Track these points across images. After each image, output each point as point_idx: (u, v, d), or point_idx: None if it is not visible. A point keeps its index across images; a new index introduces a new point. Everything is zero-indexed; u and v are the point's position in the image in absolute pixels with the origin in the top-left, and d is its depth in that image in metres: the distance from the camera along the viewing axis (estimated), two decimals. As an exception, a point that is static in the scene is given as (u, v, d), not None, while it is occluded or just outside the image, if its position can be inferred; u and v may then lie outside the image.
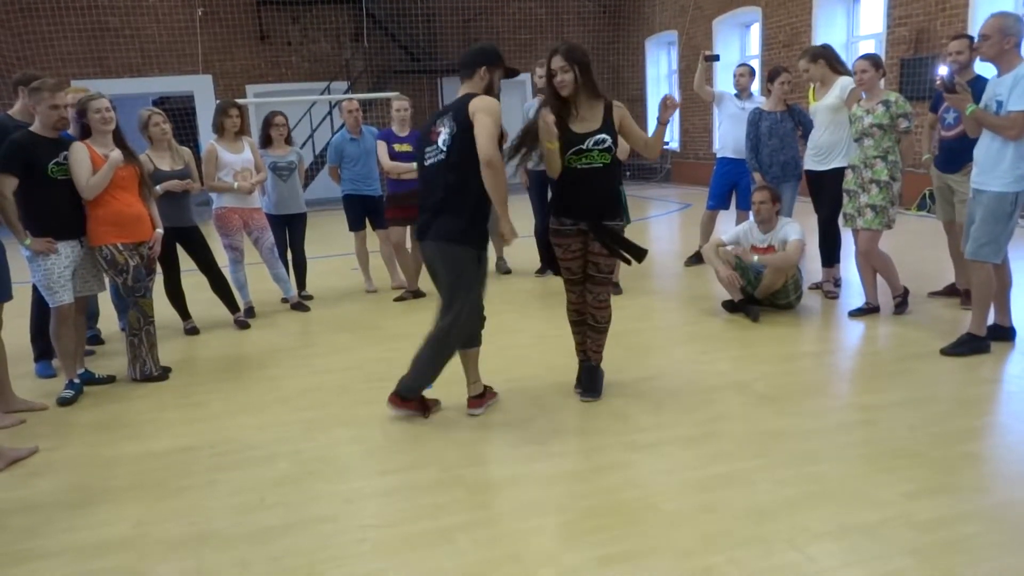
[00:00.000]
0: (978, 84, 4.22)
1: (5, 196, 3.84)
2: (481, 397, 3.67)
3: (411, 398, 3.56)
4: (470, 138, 3.19)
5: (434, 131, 3.36)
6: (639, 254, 3.58)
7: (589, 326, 3.73)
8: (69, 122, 4.06)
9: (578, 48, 3.44)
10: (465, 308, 3.41)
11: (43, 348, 4.60)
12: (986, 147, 3.95)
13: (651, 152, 3.61)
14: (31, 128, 3.99)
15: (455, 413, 3.64)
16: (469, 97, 3.29)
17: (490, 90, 3.38)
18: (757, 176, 5.71)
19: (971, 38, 4.74)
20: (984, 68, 4.63)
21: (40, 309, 4.49)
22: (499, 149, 3.22)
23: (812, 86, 5.58)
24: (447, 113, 3.34)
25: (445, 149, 3.30)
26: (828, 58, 5.36)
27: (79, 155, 4.01)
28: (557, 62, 3.39)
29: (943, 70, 4.06)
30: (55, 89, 3.92)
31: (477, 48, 3.47)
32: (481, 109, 3.22)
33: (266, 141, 5.99)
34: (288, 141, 6.12)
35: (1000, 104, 3.84)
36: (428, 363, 3.49)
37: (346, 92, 14.48)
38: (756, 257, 4.98)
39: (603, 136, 3.44)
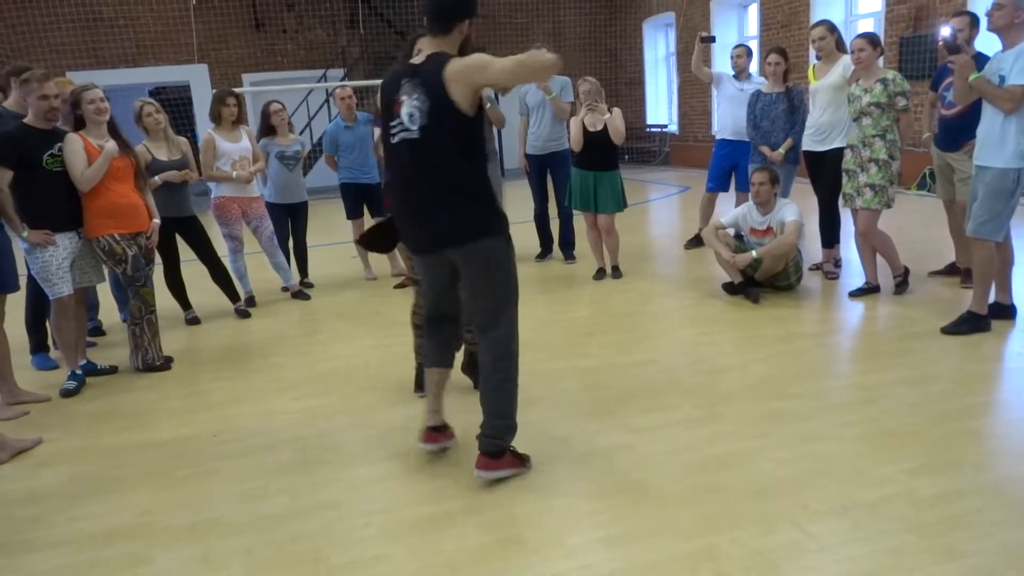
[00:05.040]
0: (977, 62, 4.18)
1: (1, 189, 3.83)
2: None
3: (500, 451, 2.78)
4: (453, 111, 2.57)
5: (398, 101, 2.66)
6: None
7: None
8: (58, 113, 4.03)
9: None
10: (514, 311, 2.78)
11: (39, 340, 4.61)
12: (989, 124, 3.93)
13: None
14: (24, 120, 3.97)
15: (457, 398, 3.64)
16: (443, 57, 2.61)
17: (466, 49, 2.71)
18: (765, 149, 5.67)
19: (973, 15, 4.70)
20: (984, 47, 4.61)
21: (36, 301, 4.49)
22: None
23: (813, 65, 5.55)
24: (413, 78, 2.64)
25: (418, 125, 2.62)
26: (839, 34, 5.36)
27: (74, 146, 3.99)
28: None
29: (945, 31, 4.00)
30: (43, 79, 3.91)
31: None
32: (458, 71, 2.55)
33: (269, 130, 5.97)
34: (291, 128, 6.12)
35: (1003, 79, 3.82)
36: (502, 393, 2.77)
37: (342, 79, 14.42)
38: (754, 252, 4.97)
39: None
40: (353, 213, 6.34)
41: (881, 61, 4.86)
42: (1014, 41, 3.82)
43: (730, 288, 5.21)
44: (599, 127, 5.58)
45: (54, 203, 3.98)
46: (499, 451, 2.77)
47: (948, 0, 9.10)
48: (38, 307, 4.52)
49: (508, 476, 2.79)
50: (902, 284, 4.97)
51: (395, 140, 2.70)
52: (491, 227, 2.69)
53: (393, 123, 2.68)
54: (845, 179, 4.93)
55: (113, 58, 14.38)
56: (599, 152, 5.66)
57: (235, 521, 2.66)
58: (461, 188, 2.65)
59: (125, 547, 2.54)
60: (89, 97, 4.06)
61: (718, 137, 6.78)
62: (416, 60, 2.69)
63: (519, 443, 2.88)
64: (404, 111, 2.63)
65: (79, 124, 4.09)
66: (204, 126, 11.91)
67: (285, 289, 6.11)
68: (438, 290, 2.96)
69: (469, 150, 2.65)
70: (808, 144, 5.46)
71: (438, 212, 2.67)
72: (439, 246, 2.73)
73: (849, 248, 5.79)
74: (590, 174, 5.72)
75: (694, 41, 6.74)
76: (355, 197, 6.28)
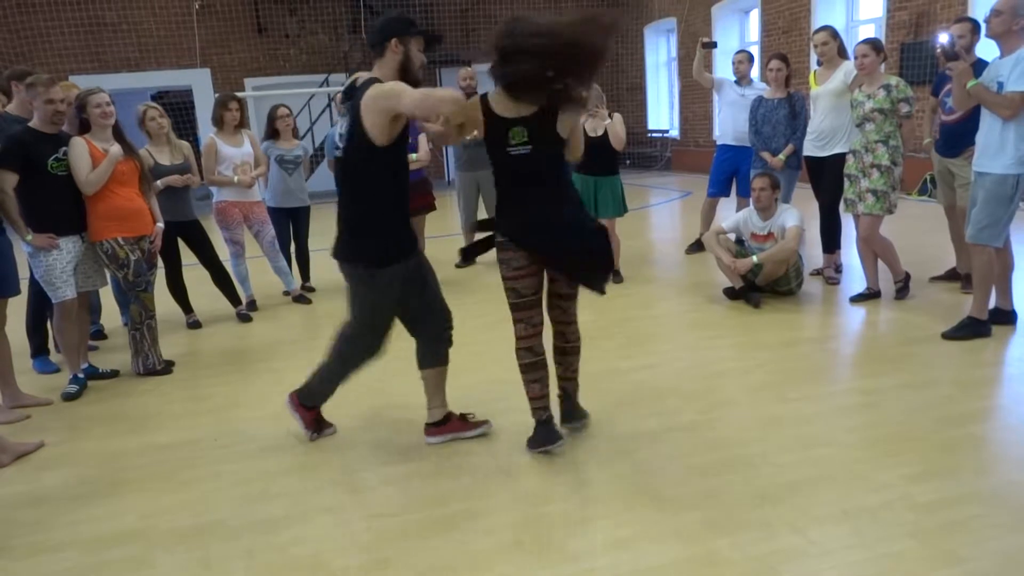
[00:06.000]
0: (978, 68, 4.21)
1: (5, 192, 3.84)
2: (439, 426, 3.21)
3: (309, 405, 3.29)
4: (363, 138, 2.72)
5: (340, 119, 2.90)
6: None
7: (559, 350, 3.18)
8: (64, 117, 4.04)
9: None
10: (361, 341, 3.10)
11: (40, 343, 4.61)
12: (988, 130, 3.94)
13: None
14: (30, 124, 3.99)
15: (453, 404, 3.64)
16: (370, 83, 2.74)
17: (408, 66, 2.81)
18: (766, 155, 5.67)
19: (974, 21, 4.72)
20: (985, 52, 4.62)
21: (37, 304, 4.49)
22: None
23: (814, 71, 5.56)
24: (350, 99, 2.83)
25: (342, 146, 2.87)
26: (841, 40, 5.38)
27: (79, 150, 4.01)
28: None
29: (943, 38, 4.03)
30: (49, 84, 3.92)
31: (383, 19, 2.84)
32: (374, 99, 2.66)
33: (273, 134, 5.99)
34: (295, 134, 6.13)
35: (1001, 86, 3.84)
36: (323, 375, 3.21)
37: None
38: (755, 257, 4.97)
39: None
40: (355, 217, 6.33)
41: (883, 67, 4.87)
42: (1012, 47, 3.84)
43: (731, 293, 5.22)
44: (600, 132, 5.60)
45: (58, 207, 3.99)
46: (295, 402, 3.28)
47: (949, 6, 9.12)
48: (39, 310, 4.53)
49: (296, 422, 3.29)
50: (903, 289, 4.98)
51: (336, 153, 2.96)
52: (351, 255, 2.95)
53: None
54: (847, 184, 4.94)
55: (116, 62, 14.41)
56: (600, 157, 5.67)
57: (236, 524, 2.66)
58: (346, 214, 2.94)
59: (127, 550, 2.55)
60: (95, 101, 4.08)
61: (719, 142, 6.79)
62: (360, 80, 2.84)
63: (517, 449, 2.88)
64: (338, 130, 2.83)
65: (84, 128, 4.11)
66: (206, 130, 11.87)
67: (287, 293, 6.12)
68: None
69: (361, 180, 2.86)
70: (809, 149, 5.47)
71: (339, 227, 2.98)
72: (335, 258, 3.01)
73: (850, 253, 5.79)
74: (591, 179, 5.73)
75: (695, 46, 6.77)
76: (357, 201, 6.28)
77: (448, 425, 3.21)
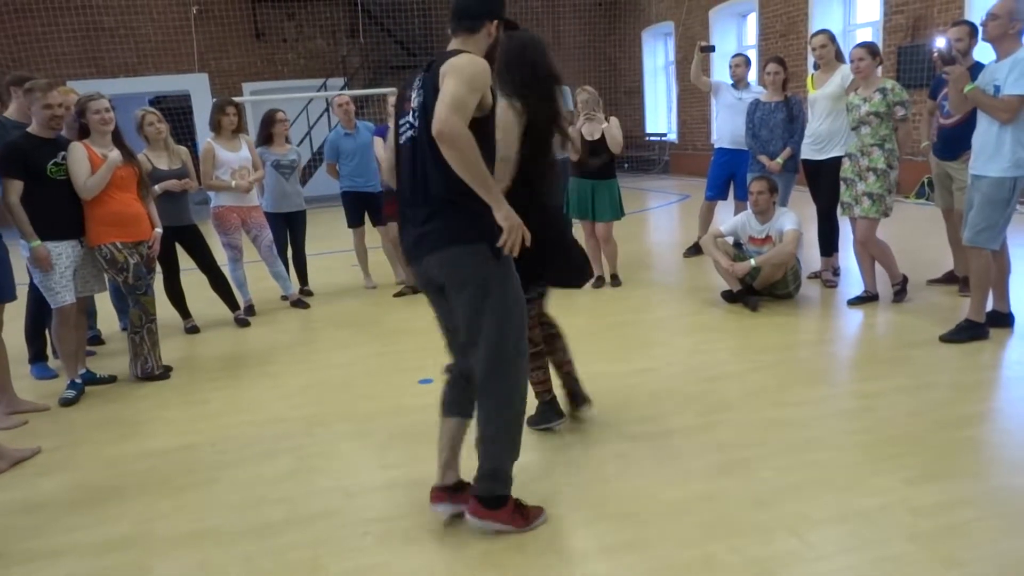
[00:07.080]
0: (975, 72, 4.21)
1: (12, 201, 3.84)
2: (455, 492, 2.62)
3: (498, 499, 2.48)
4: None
5: (408, 99, 2.43)
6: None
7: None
8: (62, 122, 4.04)
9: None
10: (514, 332, 2.40)
11: (38, 349, 4.61)
12: (984, 133, 3.95)
13: None
14: (28, 129, 3.99)
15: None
16: (452, 54, 2.36)
17: (495, 53, 2.50)
18: (764, 158, 5.67)
19: (972, 25, 4.73)
20: (982, 56, 4.63)
21: (36, 310, 4.49)
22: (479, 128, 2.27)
23: (811, 75, 5.58)
24: (425, 74, 2.38)
25: (416, 123, 2.38)
26: (838, 44, 5.39)
27: (78, 155, 4.01)
28: None
29: (940, 42, 4.05)
30: (47, 89, 3.93)
31: None
32: (453, 69, 2.25)
33: (268, 139, 5.99)
34: (287, 139, 6.14)
35: (997, 89, 3.85)
36: (495, 437, 2.45)
37: (342, 88, 14.46)
38: (753, 261, 4.97)
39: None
40: (354, 221, 6.35)
41: (879, 70, 4.88)
42: (1008, 51, 3.85)
43: (729, 296, 5.22)
44: (596, 136, 5.60)
45: (57, 211, 3.99)
46: (482, 511, 2.48)
47: (946, 10, 9.15)
48: (38, 316, 4.52)
49: (502, 530, 2.49)
50: (900, 292, 4.98)
51: (403, 140, 2.46)
52: (465, 234, 2.34)
53: (402, 122, 2.46)
54: (843, 188, 4.94)
55: (114, 67, 14.43)
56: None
57: (234, 529, 2.66)
58: (441, 191, 2.33)
59: (124, 556, 2.54)
60: (95, 107, 4.08)
61: (717, 146, 6.80)
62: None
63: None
64: (411, 107, 2.41)
65: (83, 133, 4.11)
66: (204, 135, 11.89)
67: (284, 298, 6.12)
68: (444, 325, 2.63)
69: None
70: (807, 153, 5.48)
71: (420, 215, 2.41)
72: (417, 254, 2.44)
73: (848, 256, 5.80)
74: (588, 182, 5.74)
75: (693, 50, 6.78)
76: (356, 205, 6.30)
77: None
